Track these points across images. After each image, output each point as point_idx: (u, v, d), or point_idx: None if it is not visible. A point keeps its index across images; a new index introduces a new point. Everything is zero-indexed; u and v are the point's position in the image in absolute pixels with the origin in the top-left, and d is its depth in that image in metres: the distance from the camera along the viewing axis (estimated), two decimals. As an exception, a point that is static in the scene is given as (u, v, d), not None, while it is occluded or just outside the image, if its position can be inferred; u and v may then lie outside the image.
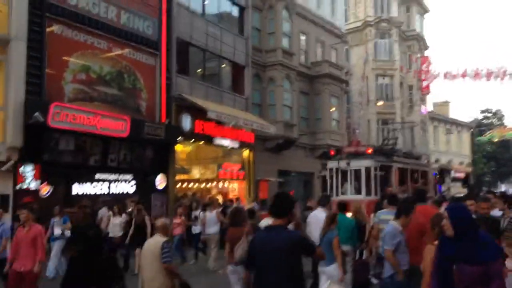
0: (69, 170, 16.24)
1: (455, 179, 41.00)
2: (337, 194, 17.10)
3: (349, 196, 16.44)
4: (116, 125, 16.53)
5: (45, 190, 15.21)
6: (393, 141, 22.51)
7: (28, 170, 14.34)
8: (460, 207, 4.25)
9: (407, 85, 42.10)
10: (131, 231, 13.24)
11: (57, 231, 12.63)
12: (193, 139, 21.15)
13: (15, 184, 14.02)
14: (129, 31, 18.07)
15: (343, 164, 17.32)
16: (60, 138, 15.46)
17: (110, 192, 18.67)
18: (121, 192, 18.75)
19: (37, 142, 14.64)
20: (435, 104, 55.88)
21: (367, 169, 16.97)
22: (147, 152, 18.77)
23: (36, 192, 14.58)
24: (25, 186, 14.21)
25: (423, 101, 44.32)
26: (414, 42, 43.65)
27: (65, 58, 15.89)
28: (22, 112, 13.98)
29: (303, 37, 30.33)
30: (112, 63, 17.62)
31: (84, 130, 15.53)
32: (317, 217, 8.24)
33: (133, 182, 18.48)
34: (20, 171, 14.14)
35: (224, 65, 24.09)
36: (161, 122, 18.92)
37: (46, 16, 15.16)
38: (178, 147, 20.78)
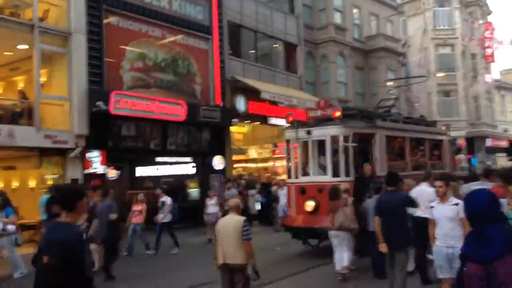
0: (132, 154, 17.11)
1: (493, 149, 38.59)
2: (296, 176, 12.25)
3: (312, 177, 11.84)
4: (173, 110, 17.16)
5: (112, 173, 16.20)
6: (393, 101, 17.31)
7: (94, 156, 15.27)
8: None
9: (469, 54, 40.14)
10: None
11: None
12: (248, 120, 21.53)
13: (83, 169, 14.99)
14: (181, 18, 18.57)
15: (302, 133, 11.95)
16: (122, 125, 16.27)
17: (171, 174, 19.55)
18: (181, 173, 19.57)
19: (101, 129, 15.51)
20: (501, 72, 52.98)
21: (334, 139, 11.47)
22: (204, 135, 19.35)
23: (103, 175, 15.54)
24: (92, 171, 15.16)
25: (487, 70, 42.18)
26: (476, 8, 41.40)
27: (122, 47, 16.63)
28: (86, 102, 14.84)
29: (355, 11, 29.70)
30: (167, 50, 18.22)
31: (143, 116, 16.25)
32: (423, 192, 8.42)
33: (192, 164, 19.21)
34: (87, 157, 15.09)
35: (276, 45, 24.16)
36: (216, 105, 19.40)
37: (103, 8, 15.90)
38: (234, 129, 21.24)
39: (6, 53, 15.03)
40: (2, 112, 14.18)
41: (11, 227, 9.90)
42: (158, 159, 18.81)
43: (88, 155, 15.11)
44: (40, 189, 14.77)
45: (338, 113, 11.68)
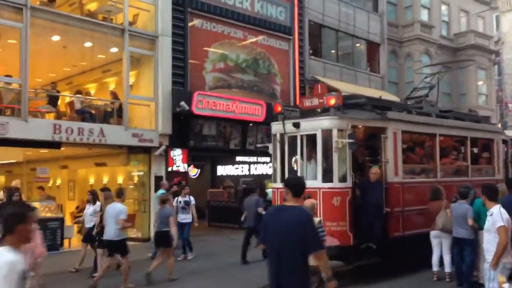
0: (213, 153, 17.51)
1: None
2: (282, 179, 9.59)
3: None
4: (252, 110, 17.34)
5: (194, 171, 16.71)
6: (427, 90, 13.08)
7: (177, 154, 15.81)
8: None
9: None
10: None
11: None
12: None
13: (167, 167, 15.57)
14: (263, 18, 18.73)
15: (289, 126, 9.36)
16: (203, 124, 16.69)
17: (250, 173, 19.78)
18: (260, 173, 19.74)
19: (184, 129, 16.02)
20: None
21: (326, 134, 8.99)
22: (283, 135, 19.33)
23: (185, 173, 16.05)
24: (175, 168, 15.70)
25: None
26: None
27: (205, 49, 17.08)
28: (169, 102, 15.39)
29: (444, 8, 28.30)
30: (248, 51, 18.46)
31: (224, 116, 16.57)
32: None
33: (271, 164, 19.28)
34: (171, 155, 15.66)
35: (358, 44, 23.64)
36: (296, 105, 19.31)
37: (188, 11, 16.42)
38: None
39: (99, 56, 15.96)
40: (95, 112, 15.07)
41: None
42: (238, 158, 19.10)
43: (171, 153, 15.67)
44: (127, 185, 15.55)
45: (333, 101, 8.90)
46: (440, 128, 11.04)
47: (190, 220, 12.41)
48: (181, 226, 12.04)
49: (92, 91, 17.27)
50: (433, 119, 11.05)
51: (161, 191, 12.33)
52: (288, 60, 19.68)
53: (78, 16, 14.46)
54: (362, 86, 22.27)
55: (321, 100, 9.40)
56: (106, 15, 15.13)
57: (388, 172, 9.37)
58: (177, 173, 15.77)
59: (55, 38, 14.25)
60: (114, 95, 15.60)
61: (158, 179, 15.15)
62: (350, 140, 8.62)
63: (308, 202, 6.56)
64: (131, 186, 15.68)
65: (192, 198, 12.69)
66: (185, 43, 16.24)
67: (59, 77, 16.92)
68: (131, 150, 15.52)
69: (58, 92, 15.35)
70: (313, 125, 9.16)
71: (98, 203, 10.39)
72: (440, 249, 8.94)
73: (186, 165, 16.12)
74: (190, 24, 16.59)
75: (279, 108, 9.58)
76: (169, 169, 15.63)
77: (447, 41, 27.90)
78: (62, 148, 14.00)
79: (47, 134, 12.83)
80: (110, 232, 8.77)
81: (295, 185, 4.34)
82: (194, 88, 16.20)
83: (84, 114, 14.45)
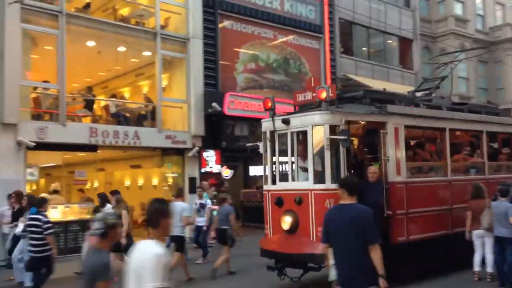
0: (245, 154, 17.50)
1: None
2: (273, 181, 8.90)
3: (291, 183, 8.60)
4: (284, 110, 17.23)
5: (226, 172, 16.78)
6: (438, 80, 11.88)
7: (210, 155, 15.93)
8: None
9: None
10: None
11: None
12: (361, 119, 20.99)
13: (200, 168, 15.70)
14: (293, 18, 18.68)
15: (279, 123, 8.68)
16: (235, 125, 16.76)
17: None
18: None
19: (216, 130, 16.13)
20: None
21: (316, 131, 8.22)
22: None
23: (219, 174, 16.15)
24: (208, 170, 15.82)
25: None
26: None
27: (236, 50, 17.16)
28: (201, 103, 15.52)
29: (478, 1, 27.59)
30: (278, 51, 18.45)
31: (255, 116, 16.55)
32: None
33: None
34: (204, 156, 15.79)
35: (390, 40, 23.30)
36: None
37: (218, 13, 16.53)
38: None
39: (132, 60, 16.24)
40: (130, 115, 15.34)
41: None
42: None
43: (204, 154, 15.80)
44: (162, 187, 15.76)
45: (324, 94, 8.04)
46: (450, 122, 9.98)
47: (205, 223, 11.96)
48: (197, 229, 11.90)
49: (126, 95, 17.59)
50: (442, 112, 10.07)
51: (205, 194, 12.51)
52: (319, 59, 19.57)
53: (111, 21, 14.75)
54: (395, 83, 21.91)
55: (314, 94, 8.53)
56: (139, 19, 15.38)
57: (389, 171, 8.49)
58: (210, 174, 15.89)
59: (90, 43, 14.57)
60: (148, 98, 15.85)
61: (191, 180, 15.31)
62: (343, 137, 7.78)
63: None
64: (165, 188, 15.88)
65: (208, 201, 12.36)
66: (216, 44, 16.36)
67: (94, 82, 17.32)
68: (165, 152, 15.72)
69: (94, 96, 15.71)
70: (303, 121, 8.35)
71: (108, 205, 10.19)
72: (482, 249, 8.70)
73: (219, 166, 16.22)
74: (220, 25, 16.70)
75: (269, 104, 8.78)
76: (202, 170, 15.76)
77: (482, 35, 27.18)
78: (98, 151, 14.30)
79: (84, 138, 13.14)
80: (175, 229, 9.08)
81: (348, 184, 4.69)
82: (226, 89, 16.29)
83: (119, 118, 14.73)
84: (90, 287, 3.45)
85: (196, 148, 15.38)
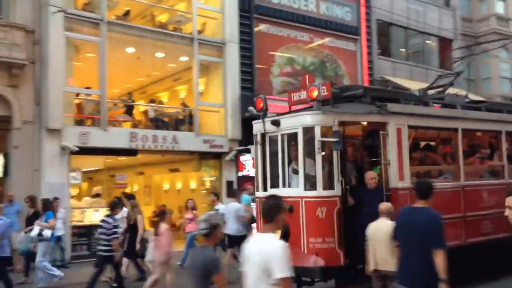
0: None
1: None
2: (264, 187, 8.28)
3: (281, 190, 7.66)
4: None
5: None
6: (452, 77, 11.02)
7: (247, 159, 15.97)
8: None
9: None
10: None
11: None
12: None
13: (237, 172, 15.78)
14: (329, 20, 18.56)
15: (269, 125, 8.02)
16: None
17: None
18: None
19: (252, 134, 16.13)
20: None
21: (307, 133, 7.52)
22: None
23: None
24: (245, 173, 15.87)
25: None
26: None
27: (271, 53, 17.18)
28: (238, 107, 15.60)
29: (522, -2, 26.68)
30: (314, 53, 18.36)
31: (292, 120, 16.54)
32: None
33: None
34: (241, 160, 15.86)
35: (429, 41, 22.83)
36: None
37: (254, 17, 16.61)
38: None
39: (170, 65, 16.49)
40: (168, 119, 15.58)
41: (46, 232, 9.30)
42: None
43: (241, 158, 15.87)
44: (200, 190, 15.92)
45: (315, 93, 7.36)
46: (463, 122, 9.03)
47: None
48: None
49: (164, 99, 17.88)
50: (453, 110, 9.24)
51: (245, 195, 12.44)
52: (356, 61, 19.36)
53: (150, 28, 15.05)
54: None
55: (309, 94, 7.73)
56: (176, 25, 15.64)
57: (390, 176, 7.73)
58: (247, 178, 15.92)
59: (130, 50, 14.90)
60: (184, 103, 16.06)
61: (229, 184, 15.39)
62: (335, 139, 7.07)
63: (383, 206, 6.41)
64: (203, 191, 16.03)
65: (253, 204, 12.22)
66: (252, 48, 16.43)
67: (133, 87, 17.70)
68: (203, 156, 15.88)
69: (133, 101, 16.04)
70: (293, 122, 7.67)
71: (124, 209, 10.26)
72: None
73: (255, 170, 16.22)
74: (256, 29, 16.77)
75: (261, 104, 8.14)
76: (239, 174, 15.83)
77: (526, 33, 26.26)
78: (138, 155, 14.58)
79: (125, 142, 13.44)
80: (231, 229, 9.77)
81: (420, 188, 4.85)
82: (262, 92, 16.18)
83: (158, 122, 15.00)
84: (204, 281, 3.81)
85: (233, 152, 15.46)
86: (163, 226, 8.04)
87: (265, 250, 3.45)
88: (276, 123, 7.83)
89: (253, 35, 16.55)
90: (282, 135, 7.91)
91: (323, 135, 7.32)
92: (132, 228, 9.41)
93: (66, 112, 12.97)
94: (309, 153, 7.48)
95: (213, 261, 3.87)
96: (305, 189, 7.45)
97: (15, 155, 12.32)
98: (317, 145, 7.28)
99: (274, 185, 8.03)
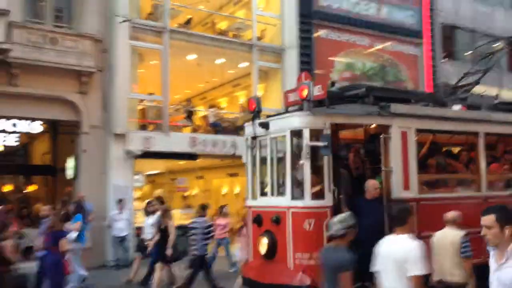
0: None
1: None
2: (253, 196, 7.65)
3: (270, 199, 7.19)
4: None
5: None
6: (476, 77, 10.61)
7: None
8: None
9: None
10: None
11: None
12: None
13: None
14: (390, 24, 18.19)
15: (258, 128, 7.35)
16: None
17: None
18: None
19: (311, 139, 16.05)
20: None
21: (295, 136, 6.87)
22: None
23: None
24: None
25: None
26: None
27: (330, 59, 17.06)
28: (297, 113, 15.55)
29: None
30: (374, 58, 18.05)
31: (351, 125, 16.33)
32: None
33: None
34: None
35: (498, 44, 21.79)
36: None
37: (313, 23, 16.57)
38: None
39: (229, 71, 16.77)
40: (227, 124, 15.81)
41: (71, 235, 8.96)
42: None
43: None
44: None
45: (305, 92, 6.64)
46: (485, 125, 8.14)
47: None
48: None
49: (223, 105, 18.18)
50: (473, 112, 8.38)
51: None
52: (418, 65, 18.83)
53: (211, 35, 15.38)
54: (507, 88, 20.47)
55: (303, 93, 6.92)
56: (236, 32, 15.89)
57: (393, 185, 6.94)
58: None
59: (191, 57, 15.30)
60: (243, 108, 16.22)
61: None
62: (323, 144, 6.32)
63: (449, 214, 6.18)
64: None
65: None
66: (311, 54, 16.40)
67: (194, 93, 18.12)
68: (261, 161, 15.94)
69: (194, 107, 16.41)
70: (281, 125, 6.97)
71: (157, 213, 10.10)
72: None
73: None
74: (315, 35, 16.72)
75: (253, 106, 7.45)
76: (297, 179, 15.76)
77: None
78: (198, 160, 14.89)
79: (186, 147, 13.78)
80: None
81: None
82: (321, 98, 16.22)
83: (217, 127, 15.25)
84: (333, 278, 4.12)
85: (291, 157, 15.41)
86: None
87: (401, 250, 3.77)
88: (265, 125, 7.15)
89: (312, 41, 16.51)
90: (271, 139, 7.23)
91: (314, 139, 6.52)
92: (163, 232, 9.20)
93: (130, 117, 13.48)
94: (297, 158, 6.78)
95: (347, 260, 4.13)
96: (292, 199, 6.70)
97: (84, 158, 12.93)
98: (305, 149, 6.53)
99: (264, 193, 7.39)
